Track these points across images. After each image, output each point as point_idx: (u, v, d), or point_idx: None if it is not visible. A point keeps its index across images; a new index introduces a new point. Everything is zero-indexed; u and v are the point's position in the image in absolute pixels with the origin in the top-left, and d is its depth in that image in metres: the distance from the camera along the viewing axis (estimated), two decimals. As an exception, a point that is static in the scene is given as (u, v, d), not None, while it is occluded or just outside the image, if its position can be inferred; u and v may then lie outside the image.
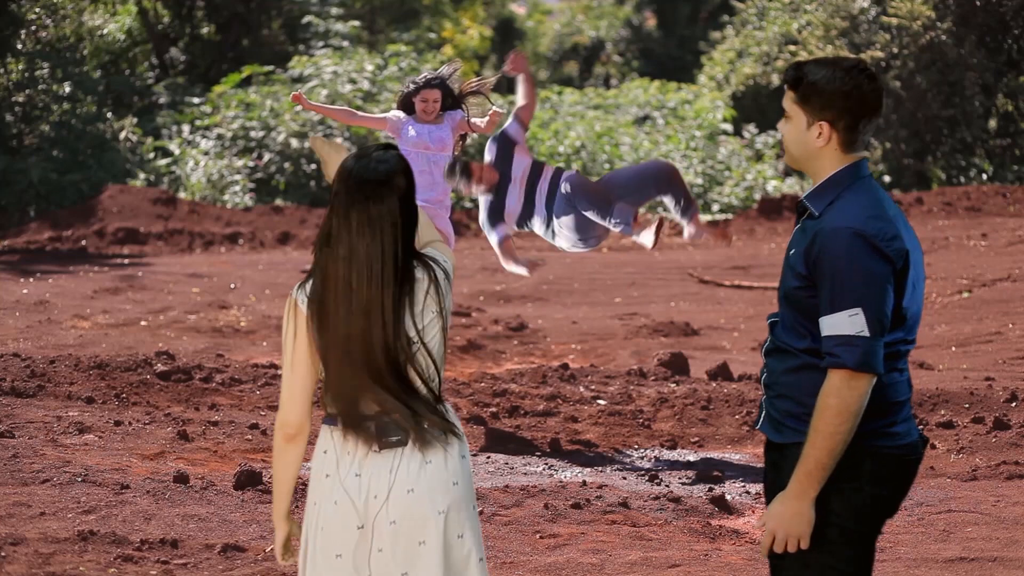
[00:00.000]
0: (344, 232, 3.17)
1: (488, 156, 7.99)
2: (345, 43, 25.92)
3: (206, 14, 25.93)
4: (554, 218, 7.82)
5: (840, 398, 3.12)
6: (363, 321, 3.16)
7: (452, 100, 8.22)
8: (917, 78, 20.91)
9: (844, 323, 3.12)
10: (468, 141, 8.75)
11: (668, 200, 7.91)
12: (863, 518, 3.22)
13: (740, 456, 7.72)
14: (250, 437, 7.39)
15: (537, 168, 7.92)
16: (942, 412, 8.12)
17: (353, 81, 21.65)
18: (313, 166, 20.82)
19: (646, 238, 7.84)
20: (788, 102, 3.27)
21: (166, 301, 12.98)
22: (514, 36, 39.03)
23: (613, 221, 7.69)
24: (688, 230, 7.86)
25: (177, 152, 21.34)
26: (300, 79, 22.19)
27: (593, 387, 9.05)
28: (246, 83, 23.10)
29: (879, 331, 3.12)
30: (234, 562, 5.26)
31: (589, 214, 7.75)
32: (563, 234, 7.87)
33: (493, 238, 7.91)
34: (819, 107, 3.22)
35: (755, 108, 24.74)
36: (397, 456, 3.20)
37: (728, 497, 6.59)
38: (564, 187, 7.76)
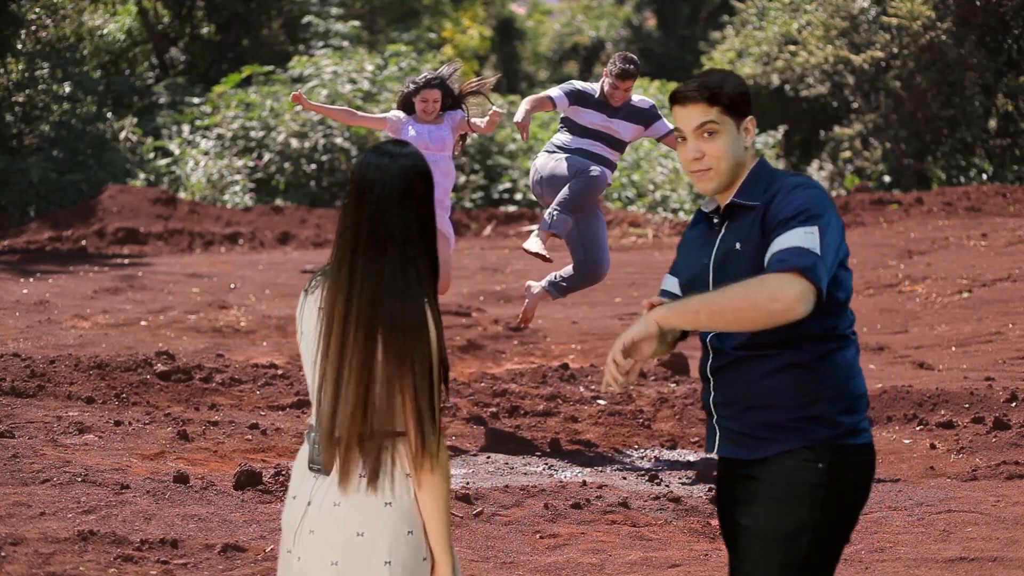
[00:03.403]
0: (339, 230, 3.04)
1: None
2: (345, 43, 25.92)
3: (206, 14, 25.94)
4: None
5: (768, 290, 2.97)
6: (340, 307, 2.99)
7: (452, 100, 8.22)
8: (917, 78, 20.91)
9: (798, 237, 3.05)
10: (468, 141, 8.75)
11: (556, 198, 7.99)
12: (844, 527, 3.18)
13: (740, 456, 7.71)
14: (250, 437, 7.39)
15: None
16: (942, 412, 8.12)
17: (353, 81, 21.65)
18: (313, 166, 20.83)
19: (534, 243, 7.95)
20: (714, 116, 3.24)
21: (166, 301, 12.97)
22: (514, 36, 39.04)
23: (551, 212, 7.88)
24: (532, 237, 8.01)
25: (177, 152, 21.34)
26: (300, 79, 22.19)
27: (593, 387, 9.04)
28: (246, 83, 23.10)
29: (830, 260, 3.05)
30: (234, 562, 5.26)
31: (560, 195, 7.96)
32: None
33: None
34: (744, 109, 3.28)
35: (755, 108, 24.73)
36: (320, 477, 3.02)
37: (728, 497, 6.58)
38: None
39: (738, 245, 3.19)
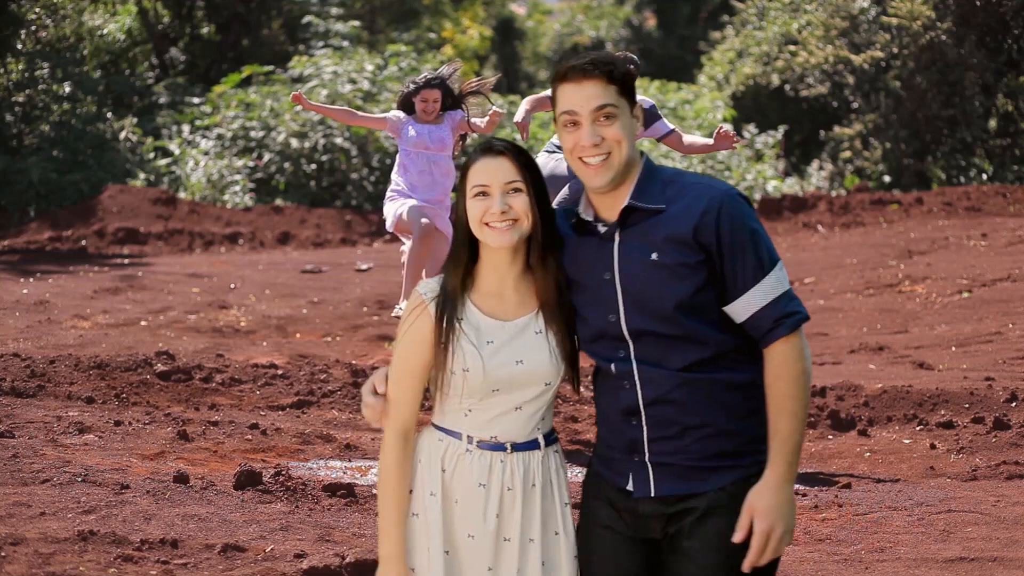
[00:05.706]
0: None
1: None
2: (345, 43, 25.93)
3: (206, 14, 25.94)
4: None
5: (803, 360, 2.87)
6: None
7: (452, 100, 8.22)
8: (917, 78, 20.91)
9: (774, 284, 2.88)
10: (468, 141, 8.76)
11: None
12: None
13: (740, 456, 7.70)
14: (250, 437, 7.39)
15: None
16: (942, 412, 8.12)
17: (353, 81, 21.65)
18: (313, 166, 20.84)
19: None
20: (613, 97, 2.94)
21: (166, 301, 12.97)
22: (514, 36, 39.05)
23: None
24: None
25: (177, 152, 21.36)
26: (300, 79, 22.19)
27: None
28: (246, 83, 23.10)
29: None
30: (234, 562, 5.26)
31: None
32: None
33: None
34: (633, 93, 3.02)
35: (755, 108, 24.74)
36: None
37: (728, 497, 6.57)
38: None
39: (655, 256, 2.89)
